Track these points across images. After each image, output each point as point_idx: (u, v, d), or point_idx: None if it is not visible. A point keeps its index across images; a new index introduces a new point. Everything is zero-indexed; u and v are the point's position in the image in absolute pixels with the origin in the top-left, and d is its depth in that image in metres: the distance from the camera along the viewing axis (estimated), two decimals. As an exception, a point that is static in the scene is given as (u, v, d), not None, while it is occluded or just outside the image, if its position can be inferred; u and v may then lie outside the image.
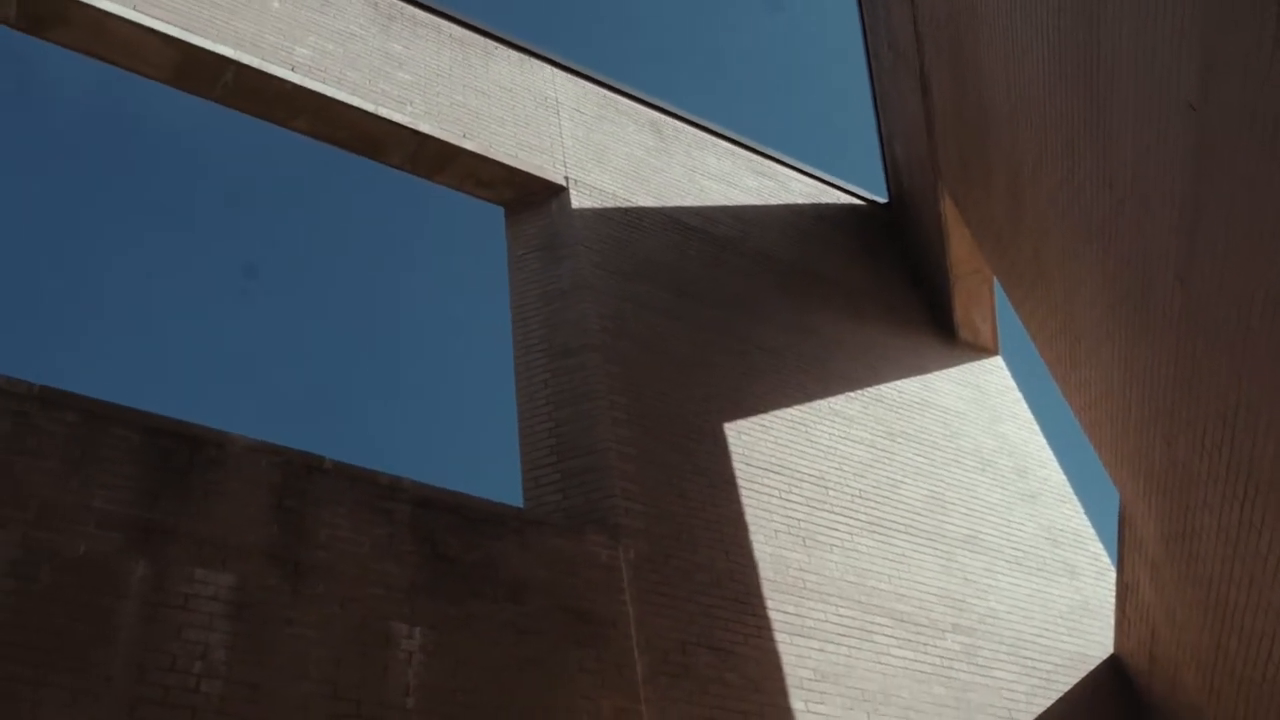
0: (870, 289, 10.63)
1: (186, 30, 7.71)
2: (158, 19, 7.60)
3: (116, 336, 18.85)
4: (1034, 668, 7.79)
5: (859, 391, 9.12)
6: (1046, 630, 8.16)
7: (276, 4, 8.57)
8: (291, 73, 8.03)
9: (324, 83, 8.16)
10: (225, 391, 19.03)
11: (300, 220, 19.86)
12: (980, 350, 10.81)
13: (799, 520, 7.59)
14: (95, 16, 7.50)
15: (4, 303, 17.32)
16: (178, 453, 5.48)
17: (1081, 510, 9.61)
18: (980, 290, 10.66)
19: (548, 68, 10.30)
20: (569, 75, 10.43)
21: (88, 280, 18.43)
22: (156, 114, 19.63)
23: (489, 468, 20.58)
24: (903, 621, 7.43)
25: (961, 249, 10.41)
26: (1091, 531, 9.45)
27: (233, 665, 4.93)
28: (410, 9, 9.67)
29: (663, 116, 10.93)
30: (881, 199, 12.38)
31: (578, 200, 8.87)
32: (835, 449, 8.40)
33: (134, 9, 7.62)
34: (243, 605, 5.12)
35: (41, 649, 4.57)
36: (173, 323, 19.32)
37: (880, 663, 7.06)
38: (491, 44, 10.05)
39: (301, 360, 20.26)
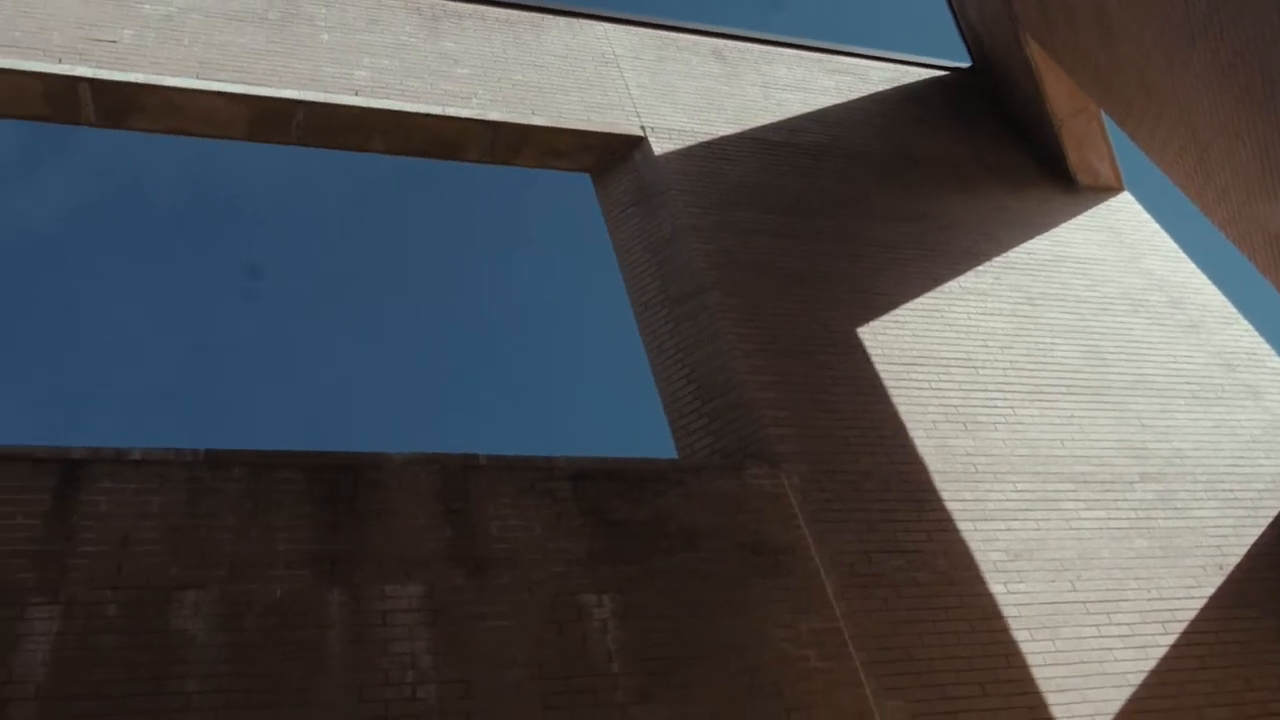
0: (975, 158, 10.25)
1: (250, 85, 7.92)
2: (222, 81, 7.83)
3: (250, 385, 19.66)
4: (1236, 499, 7.46)
5: (987, 264, 8.83)
6: (1241, 458, 7.80)
7: (326, 36, 8.72)
8: (356, 97, 8.17)
9: (389, 98, 8.28)
10: (365, 411, 19.68)
11: (380, 232, 20.28)
12: (1104, 190, 10.33)
13: (955, 406, 7.43)
14: (165, 96, 7.76)
15: (154, 381, 18.29)
16: (342, 482, 5.69)
17: (1252, 329, 9.12)
18: (1089, 129, 10.17)
19: (598, 24, 10.22)
20: (621, 26, 10.32)
21: (201, 334, 19.28)
22: (237, 168, 20.34)
23: (632, 428, 20.77)
24: (1087, 483, 7.21)
25: (1059, 92, 9.94)
26: (1267, 348, 8.96)
27: (441, 668, 5.12)
28: (452, 4, 9.71)
29: (723, 41, 10.72)
30: (964, 64, 11.89)
31: (659, 146, 8.80)
32: (976, 327, 8.17)
33: (197, 78, 7.86)
34: (437, 610, 5.30)
35: (264, 691, 4.83)
36: (300, 360, 20.06)
37: (1072, 529, 6.87)
38: (537, 16, 10.01)
39: (428, 366, 20.77)
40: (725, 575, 5.89)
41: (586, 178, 9.08)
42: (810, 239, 8.42)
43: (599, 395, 21.51)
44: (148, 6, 8.39)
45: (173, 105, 7.88)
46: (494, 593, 5.47)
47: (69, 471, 5.34)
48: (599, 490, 6.08)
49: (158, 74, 7.77)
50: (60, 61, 7.63)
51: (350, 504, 5.62)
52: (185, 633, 4.91)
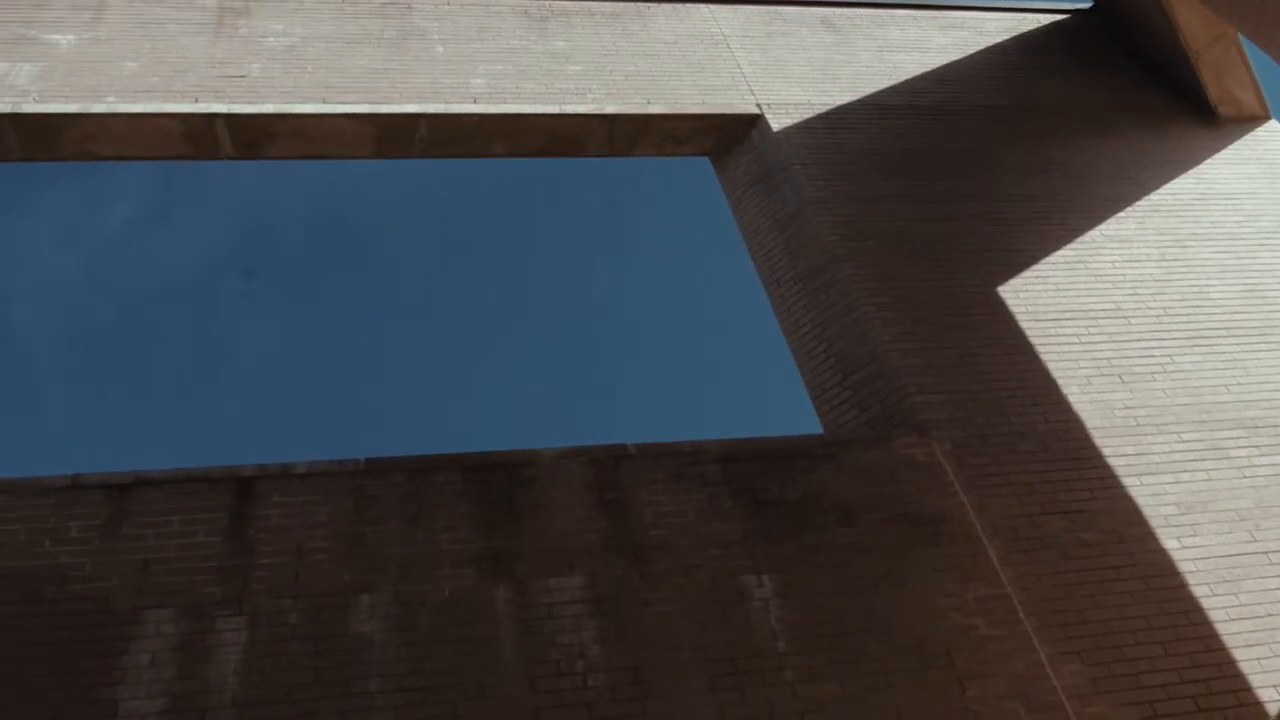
0: (1106, 101, 9.85)
1: (374, 104, 8.15)
2: (347, 103, 8.08)
3: (397, 393, 20.25)
4: None
5: (1129, 209, 8.48)
6: None
7: (440, 49, 8.91)
8: (475, 105, 8.32)
9: (506, 103, 8.41)
10: (509, 410, 20.07)
11: (498, 234, 20.59)
12: (1248, 121, 9.80)
13: (1108, 359, 7.16)
14: (296, 123, 8.05)
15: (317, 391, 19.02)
16: (496, 481, 5.82)
17: None
18: (1228, 57, 9.65)
19: (704, 6, 10.17)
20: (727, 5, 10.25)
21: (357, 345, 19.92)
22: (354, 186, 20.98)
23: (773, 407, 20.67)
24: (1258, 428, 6.87)
25: (1193, 22, 9.46)
26: None
27: (610, 656, 5.19)
28: (559, 4, 9.80)
29: (831, 10, 10.55)
30: (1085, 3, 11.43)
31: (776, 122, 8.72)
32: (1122, 275, 7.85)
33: (324, 103, 8.12)
34: (600, 600, 5.38)
35: (442, 687, 4.98)
36: (440, 365, 20.56)
37: (1246, 477, 6.56)
38: (643, 5, 10.02)
39: (564, 361, 21.05)
40: (884, 548, 5.81)
41: (705, 161, 9.06)
42: (939, 201, 8.23)
43: (735, 377, 21.49)
44: (271, 39, 8.71)
45: (303, 131, 8.16)
46: (654, 579, 5.52)
47: (241, 489, 5.60)
48: (748, 471, 6.07)
49: (287, 103, 8.06)
50: (196, 101, 7.98)
51: (507, 501, 5.73)
52: (364, 635, 5.10)
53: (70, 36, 8.42)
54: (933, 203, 8.18)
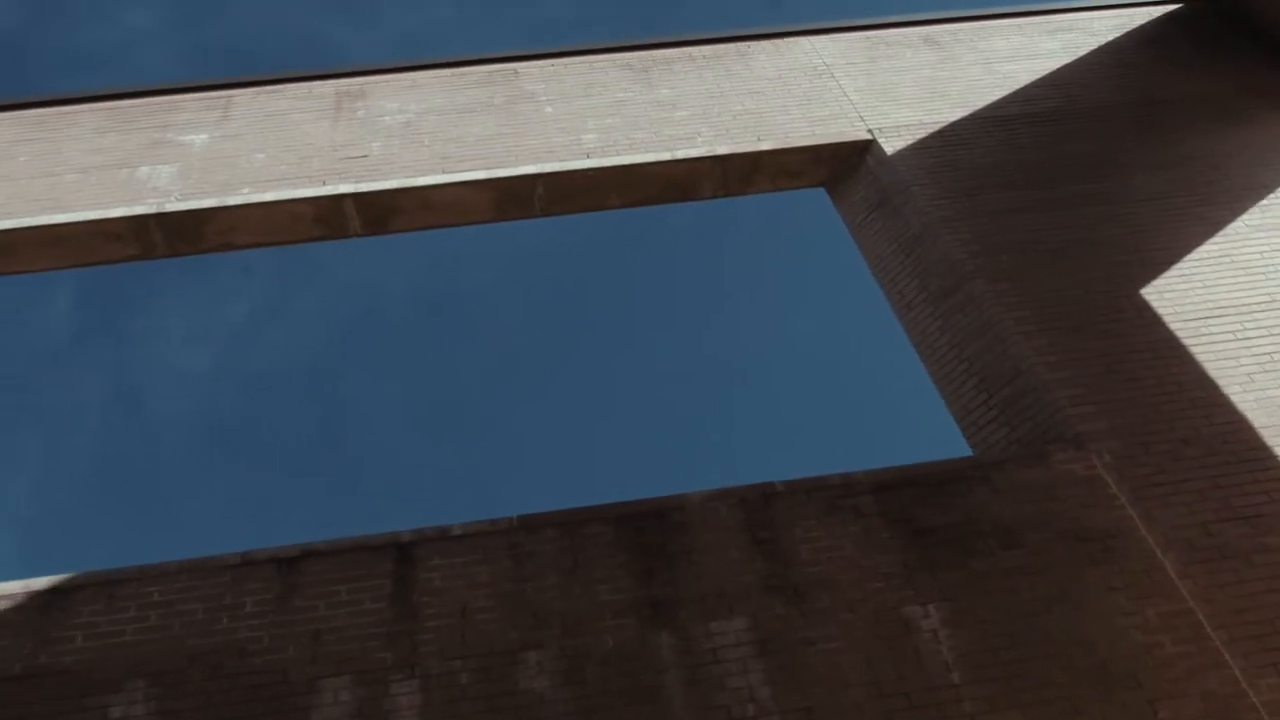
0: (1233, 88, 9.48)
1: (491, 169, 8.35)
2: (467, 171, 8.29)
3: (539, 449, 20.48)
4: None
5: (1273, 195, 8.11)
6: None
7: (549, 109, 9.09)
8: (588, 160, 8.45)
9: (619, 154, 8.52)
10: (652, 457, 20.13)
11: (607, 287, 20.75)
12: (1392, 91, 9.31)
13: (1269, 354, 6.82)
14: (418, 195, 8.29)
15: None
16: (649, 528, 5.82)
17: None
18: (1362, 28, 9.21)
19: (803, 39, 10.17)
20: (825, 35, 10.23)
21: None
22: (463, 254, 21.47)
23: (912, 432, 20.28)
24: None
25: (1319, -4, 9.07)
26: None
27: (779, 698, 5.10)
28: (659, 53, 9.91)
29: (931, 28, 10.44)
30: (1199, -8, 11.06)
31: (889, 146, 8.63)
32: (1272, 265, 7.50)
33: (443, 173, 8.35)
34: (764, 641, 5.30)
35: (617, 739, 4.96)
36: (575, 419, 20.75)
37: None
38: (743, 45, 10.08)
39: (699, 404, 21.04)
40: (1053, 568, 5.60)
41: (820, 193, 9.01)
42: (1067, 207, 8.01)
43: (871, 407, 21.18)
44: (388, 118, 9.02)
45: (425, 202, 8.40)
46: (816, 616, 5.42)
47: (401, 554, 5.71)
48: (902, 499, 5.94)
49: (408, 177, 8.31)
50: (324, 184, 8.29)
51: (660, 548, 5.72)
52: (534, 691, 5.13)
53: (203, 135, 8.86)
54: (1060, 210, 7.96)
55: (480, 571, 5.61)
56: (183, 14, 23.59)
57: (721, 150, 8.58)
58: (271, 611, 5.43)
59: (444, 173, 8.37)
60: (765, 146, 8.65)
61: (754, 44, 10.12)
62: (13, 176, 8.54)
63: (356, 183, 8.30)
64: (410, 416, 20.66)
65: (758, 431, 20.85)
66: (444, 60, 9.75)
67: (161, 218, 8.03)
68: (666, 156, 8.51)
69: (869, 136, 8.73)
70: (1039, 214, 7.91)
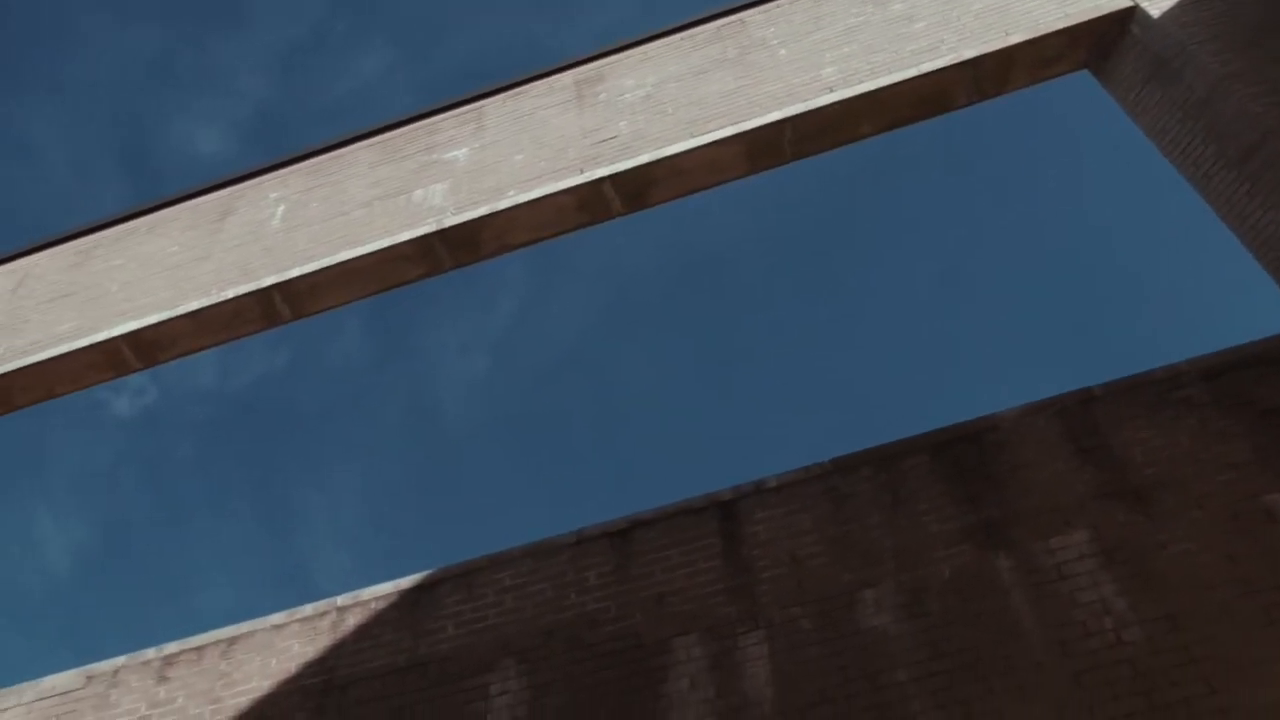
0: None
1: (738, 123, 8.35)
2: (714, 130, 8.34)
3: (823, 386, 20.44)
4: None
5: None
6: None
7: (783, 51, 8.98)
8: (832, 94, 8.29)
9: (862, 82, 8.30)
10: (944, 380, 19.69)
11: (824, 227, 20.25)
12: None
13: None
14: (671, 164, 8.42)
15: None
16: (965, 453, 5.70)
17: None
18: None
19: (1036, -83, 9.51)
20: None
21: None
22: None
23: (1211, 318, 18.72)
24: None
25: None
26: None
27: (1137, 607, 4.89)
28: (883, -32, 9.56)
29: None
30: None
31: (1154, 9, 7.95)
32: None
33: (691, 137, 8.44)
34: (1110, 551, 5.09)
35: (968, 666, 4.91)
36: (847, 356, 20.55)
37: None
38: (971, -61, 9.55)
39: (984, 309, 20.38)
40: None
41: (1083, 76, 8.43)
42: (1380, 30, 7.11)
43: (1168, 292, 19.82)
44: (629, 95, 9.20)
45: (679, 170, 8.52)
46: (1163, 519, 5.14)
47: (724, 512, 5.88)
48: (1238, 382, 5.52)
49: (659, 148, 8.45)
50: (582, 171, 8.58)
51: (981, 470, 5.60)
52: (877, 628, 5.16)
53: (464, 150, 9.36)
54: (1372, 35, 7.08)
55: (802, 519, 5.69)
56: (407, 51, 25.11)
57: (969, 54, 8.18)
58: (613, 582, 5.73)
59: (692, 137, 8.45)
60: (1015, 39, 8.17)
61: (983, -65, 9.56)
62: (309, 222, 9.35)
63: (611, 164, 8.53)
64: (691, 380, 21.12)
65: (1058, 338, 19.90)
66: (671, 27, 9.81)
67: (443, 234, 8.56)
68: (913, 73, 8.20)
69: (1130, 3, 8.08)
70: (1346, 45, 7.07)
